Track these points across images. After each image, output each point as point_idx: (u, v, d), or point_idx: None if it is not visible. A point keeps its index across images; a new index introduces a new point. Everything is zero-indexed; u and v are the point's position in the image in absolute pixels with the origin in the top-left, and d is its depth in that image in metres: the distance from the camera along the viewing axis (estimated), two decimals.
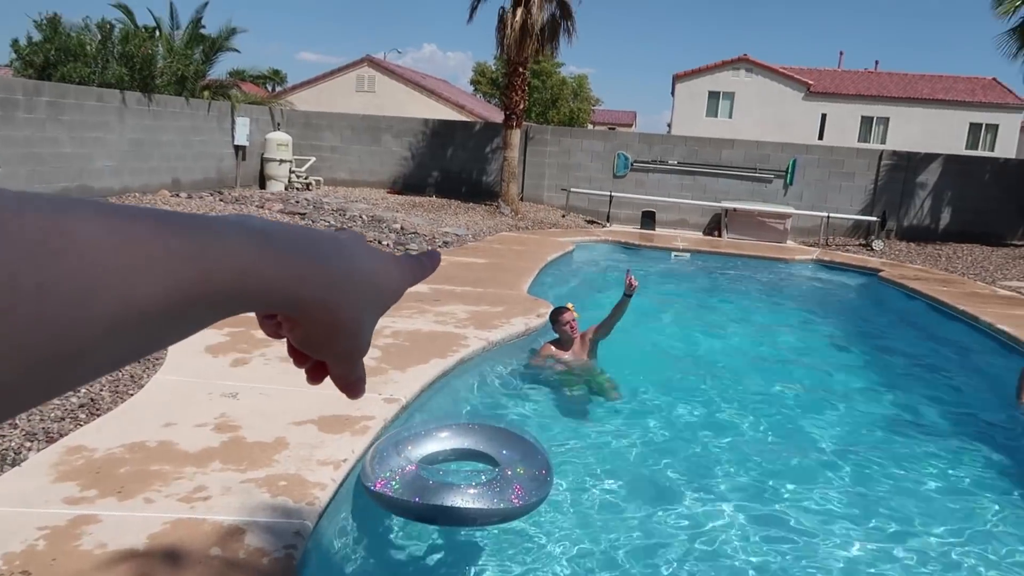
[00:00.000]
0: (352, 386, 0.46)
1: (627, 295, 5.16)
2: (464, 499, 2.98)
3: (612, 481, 3.99)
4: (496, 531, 3.34)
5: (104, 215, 0.31)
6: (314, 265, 0.39)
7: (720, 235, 14.06)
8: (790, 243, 13.58)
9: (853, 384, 6.38)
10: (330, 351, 0.43)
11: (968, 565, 3.47)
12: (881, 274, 10.66)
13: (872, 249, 13.21)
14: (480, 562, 3.23)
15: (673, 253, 12.27)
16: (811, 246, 13.50)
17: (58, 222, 0.29)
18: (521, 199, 15.10)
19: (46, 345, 0.29)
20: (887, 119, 31.48)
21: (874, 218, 14.01)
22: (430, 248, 0.57)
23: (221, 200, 12.00)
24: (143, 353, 0.34)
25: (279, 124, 15.91)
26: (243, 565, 2.45)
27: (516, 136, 14.36)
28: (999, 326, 7.37)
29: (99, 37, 13.26)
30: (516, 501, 3.02)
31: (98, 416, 3.55)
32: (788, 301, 10.07)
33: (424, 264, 0.50)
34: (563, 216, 14.64)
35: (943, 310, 8.58)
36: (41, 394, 0.30)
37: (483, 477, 3.16)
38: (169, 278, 0.32)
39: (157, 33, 14.46)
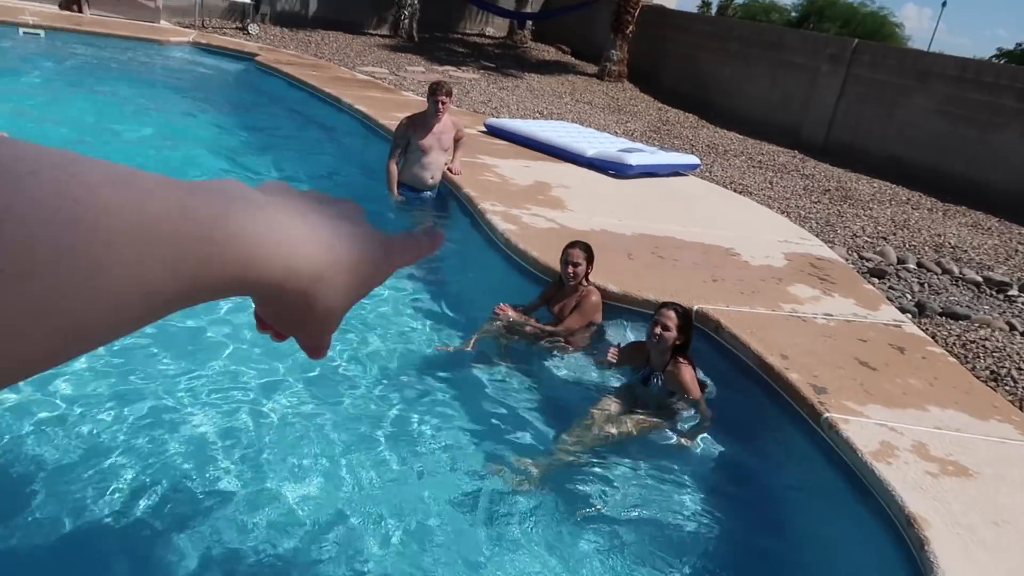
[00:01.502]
0: (316, 351, 0.43)
1: None
2: None
3: None
4: None
5: (115, 182, 0.29)
6: (307, 257, 0.36)
7: (81, 10, 12.23)
8: (164, 23, 12.65)
9: (204, 159, 6.62)
10: (298, 332, 0.41)
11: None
12: (258, 59, 10.86)
13: (248, 33, 13.25)
14: None
15: (22, 30, 10.27)
16: (187, 28, 12.83)
17: (72, 186, 0.28)
18: None
19: (55, 317, 0.27)
20: None
21: (248, 1, 13.92)
22: (435, 227, 0.41)
23: None
24: (128, 332, 0.31)
25: None
26: None
27: None
28: (357, 107, 8.35)
29: None
30: None
31: None
32: (167, 85, 9.56)
33: (421, 245, 0.45)
34: None
35: (313, 93, 9.29)
36: (33, 368, 0.28)
37: None
38: (178, 260, 0.31)
39: None
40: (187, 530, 2.62)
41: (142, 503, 2.68)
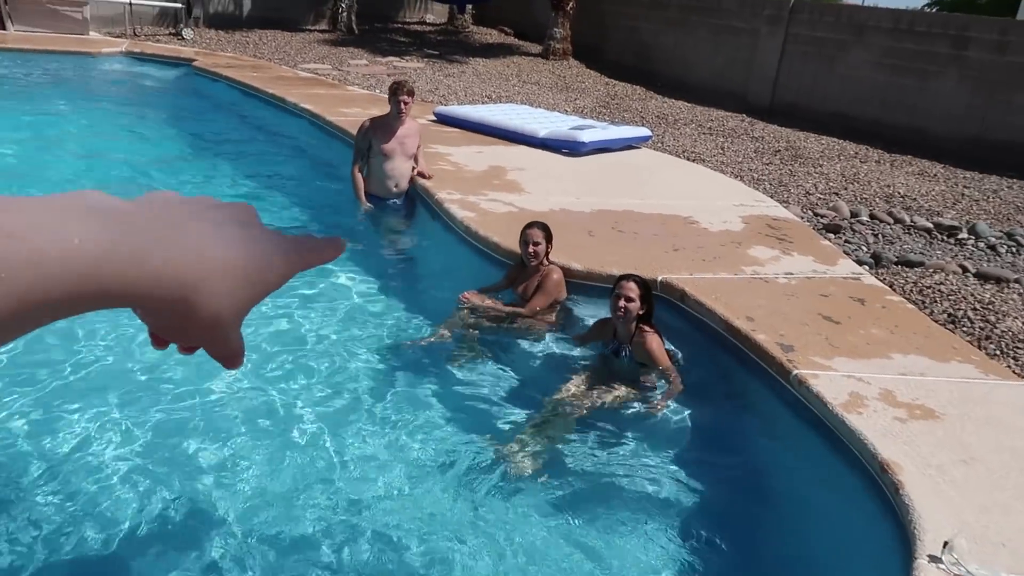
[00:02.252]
0: (228, 360, 0.41)
1: None
2: None
3: None
4: None
5: None
6: (175, 263, 0.35)
7: (4, 27, 11.81)
8: (93, 35, 12.28)
9: (150, 174, 6.47)
10: (192, 341, 0.39)
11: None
12: (195, 63, 10.60)
13: (183, 38, 12.93)
14: None
15: None
16: (118, 38, 12.47)
17: None
18: None
19: None
20: None
21: (179, 5, 13.56)
22: (335, 234, 0.32)
23: None
24: None
25: None
26: None
27: None
28: (303, 105, 8.21)
29: None
30: None
31: None
32: (104, 98, 9.31)
33: (323, 249, 0.43)
34: None
35: (256, 95, 9.10)
36: None
37: None
38: (12, 282, 0.30)
39: None
40: (166, 529, 2.58)
41: (115, 506, 2.64)
